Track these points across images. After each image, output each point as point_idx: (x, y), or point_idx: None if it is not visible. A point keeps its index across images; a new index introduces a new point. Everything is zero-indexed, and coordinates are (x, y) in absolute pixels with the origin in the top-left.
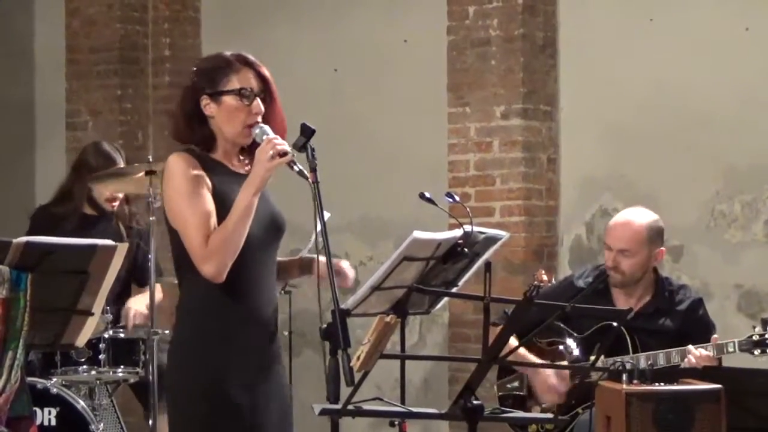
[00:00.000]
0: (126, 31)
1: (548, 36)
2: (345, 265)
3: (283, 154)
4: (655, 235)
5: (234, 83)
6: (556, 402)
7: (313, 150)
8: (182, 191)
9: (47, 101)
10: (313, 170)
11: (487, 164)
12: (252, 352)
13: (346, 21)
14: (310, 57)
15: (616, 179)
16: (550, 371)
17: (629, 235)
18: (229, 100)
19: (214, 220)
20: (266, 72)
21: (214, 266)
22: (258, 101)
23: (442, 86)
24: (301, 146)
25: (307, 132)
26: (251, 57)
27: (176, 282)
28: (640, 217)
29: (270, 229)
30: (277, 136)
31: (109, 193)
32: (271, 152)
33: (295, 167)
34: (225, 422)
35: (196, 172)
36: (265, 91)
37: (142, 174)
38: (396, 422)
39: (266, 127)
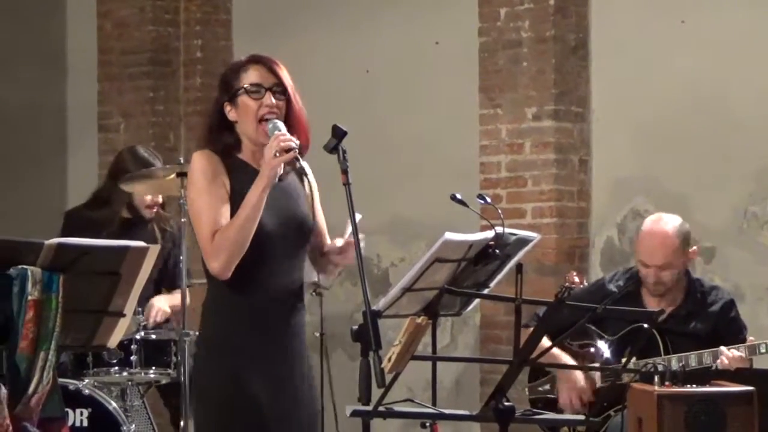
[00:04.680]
0: (158, 34)
1: (580, 37)
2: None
3: (288, 150)
4: (685, 240)
5: (243, 81)
6: (574, 410)
7: (344, 152)
8: (197, 188)
9: (79, 103)
10: (345, 172)
11: (518, 166)
12: (272, 350)
13: (377, 22)
14: (341, 58)
15: (647, 181)
16: (579, 375)
17: (665, 250)
18: (241, 98)
19: (225, 217)
20: (279, 68)
21: (218, 262)
22: (269, 95)
23: (473, 88)
24: (333, 148)
25: (338, 134)
26: (265, 55)
27: (203, 282)
28: (667, 227)
29: (293, 230)
30: (285, 132)
31: (149, 199)
32: (274, 150)
33: (298, 163)
34: (246, 415)
35: (213, 169)
36: (280, 86)
37: (173, 176)
38: (427, 424)
39: (279, 123)
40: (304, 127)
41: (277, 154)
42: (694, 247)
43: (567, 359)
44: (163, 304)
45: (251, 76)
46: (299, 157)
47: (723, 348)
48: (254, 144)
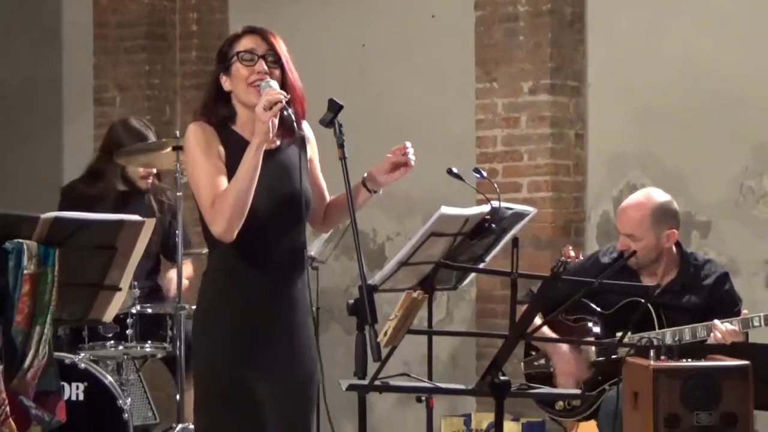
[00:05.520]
0: (153, 7)
1: (576, 11)
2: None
3: (276, 102)
4: (662, 218)
5: (237, 49)
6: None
7: (340, 125)
8: (193, 158)
9: (75, 77)
10: (341, 146)
11: (514, 140)
12: (272, 319)
13: None
14: (337, 32)
15: (643, 155)
16: (572, 357)
17: (634, 220)
18: (235, 66)
19: (223, 184)
20: (274, 37)
21: (220, 225)
22: (261, 62)
23: (469, 61)
24: (329, 121)
25: (334, 107)
26: (259, 26)
27: (203, 253)
28: (646, 200)
29: (290, 203)
30: (275, 89)
31: (143, 170)
32: (262, 104)
33: (285, 112)
34: (238, 393)
35: (208, 140)
36: (274, 55)
37: (169, 149)
38: (423, 398)
39: (272, 82)
40: (299, 98)
41: (266, 108)
42: (674, 230)
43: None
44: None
45: (244, 44)
46: (286, 107)
47: (716, 321)
48: (249, 109)
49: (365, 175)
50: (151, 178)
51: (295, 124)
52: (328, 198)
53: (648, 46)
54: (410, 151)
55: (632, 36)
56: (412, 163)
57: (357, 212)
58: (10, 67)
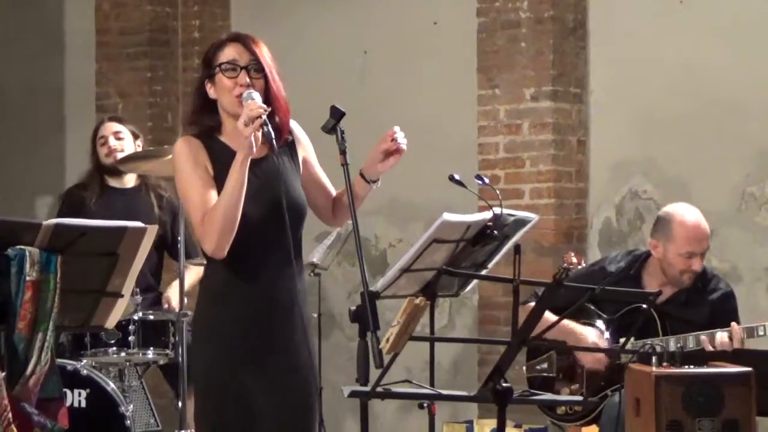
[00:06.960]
0: (156, 14)
1: (578, 18)
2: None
3: (257, 117)
4: None
5: (220, 59)
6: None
7: (342, 132)
8: (183, 175)
9: (77, 83)
10: (343, 153)
11: (516, 146)
12: (265, 330)
13: (376, 3)
14: (339, 39)
15: (645, 162)
16: (592, 336)
17: (708, 233)
18: (218, 76)
19: (213, 200)
20: (257, 45)
21: (210, 243)
22: (244, 73)
23: (471, 68)
24: (331, 128)
25: (336, 114)
26: (244, 33)
27: (200, 262)
28: (698, 212)
29: (279, 211)
30: (256, 101)
31: (105, 148)
32: (243, 119)
33: (266, 128)
34: (235, 403)
35: (194, 155)
36: (257, 64)
37: (171, 156)
38: (425, 404)
39: (254, 93)
40: (283, 108)
41: (246, 123)
42: None
43: (573, 325)
44: (176, 294)
45: (227, 54)
46: (267, 122)
47: (718, 330)
48: (235, 119)
49: (361, 168)
50: (113, 153)
51: (273, 141)
52: (333, 193)
53: (650, 53)
54: (399, 135)
55: (634, 43)
56: (403, 147)
57: (359, 210)
58: (13, 74)
